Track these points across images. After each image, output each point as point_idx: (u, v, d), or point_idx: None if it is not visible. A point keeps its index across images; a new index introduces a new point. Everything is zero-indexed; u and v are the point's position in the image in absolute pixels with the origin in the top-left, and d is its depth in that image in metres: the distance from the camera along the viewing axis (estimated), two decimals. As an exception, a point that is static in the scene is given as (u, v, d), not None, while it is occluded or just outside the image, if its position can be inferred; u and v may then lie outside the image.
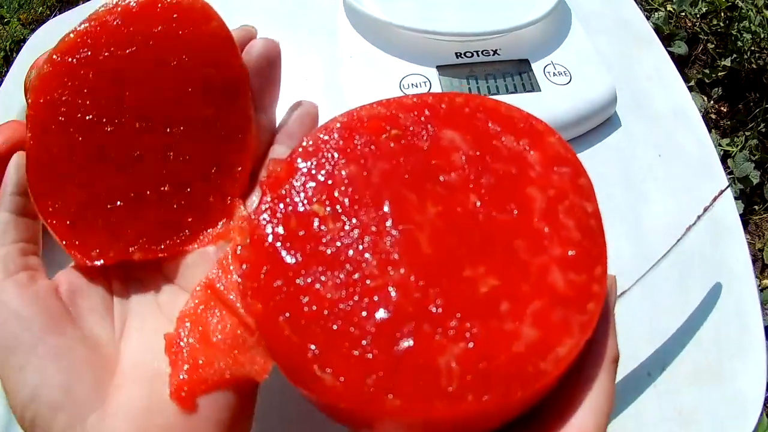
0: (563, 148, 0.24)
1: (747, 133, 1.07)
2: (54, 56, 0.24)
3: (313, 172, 0.23)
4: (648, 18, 1.08)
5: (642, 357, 0.37)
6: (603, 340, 0.22)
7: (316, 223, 0.22)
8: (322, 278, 0.21)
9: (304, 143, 0.23)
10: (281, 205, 0.22)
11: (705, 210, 0.37)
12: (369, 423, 0.20)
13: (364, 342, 0.20)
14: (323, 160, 0.23)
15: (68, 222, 0.23)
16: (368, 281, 0.21)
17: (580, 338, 0.20)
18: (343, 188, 0.22)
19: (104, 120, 0.23)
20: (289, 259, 0.21)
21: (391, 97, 0.24)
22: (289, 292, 0.21)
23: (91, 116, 0.23)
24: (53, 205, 0.23)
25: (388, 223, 0.22)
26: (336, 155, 0.23)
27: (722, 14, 1.17)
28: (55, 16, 1.20)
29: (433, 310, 0.20)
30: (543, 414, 0.21)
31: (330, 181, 0.23)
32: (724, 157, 1.04)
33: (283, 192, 0.22)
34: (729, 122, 1.10)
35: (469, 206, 0.22)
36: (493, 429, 0.21)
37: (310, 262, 0.21)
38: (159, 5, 0.24)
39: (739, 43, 1.13)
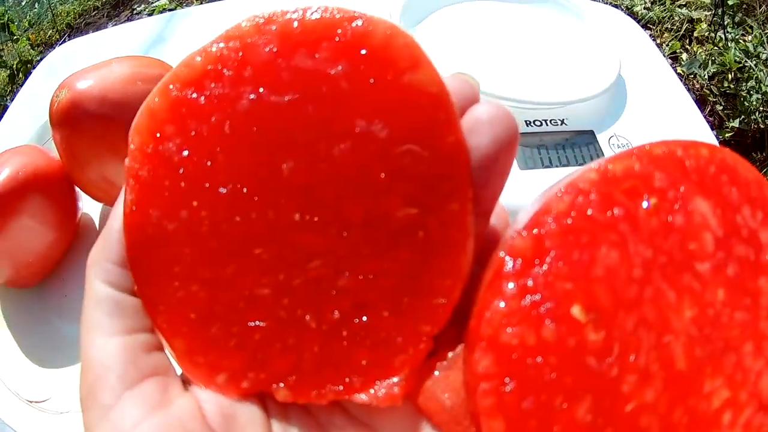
0: None
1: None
2: (170, 86, 0.16)
3: (565, 255, 0.16)
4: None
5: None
6: None
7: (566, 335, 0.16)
8: None
9: (550, 216, 0.16)
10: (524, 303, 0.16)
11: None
12: None
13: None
14: (579, 238, 0.17)
15: (185, 330, 0.17)
16: None
17: None
18: (599, 286, 0.17)
19: (251, 198, 0.16)
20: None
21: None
22: None
23: (226, 188, 0.16)
24: (163, 302, 0.16)
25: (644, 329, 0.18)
26: (592, 238, 0.17)
27: (731, 75, 1.19)
28: (64, 41, 1.16)
29: None
30: None
31: (584, 270, 0.17)
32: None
33: (526, 282, 0.16)
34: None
35: (716, 306, 0.18)
36: None
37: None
38: (339, 30, 0.16)
39: (746, 104, 1.14)
